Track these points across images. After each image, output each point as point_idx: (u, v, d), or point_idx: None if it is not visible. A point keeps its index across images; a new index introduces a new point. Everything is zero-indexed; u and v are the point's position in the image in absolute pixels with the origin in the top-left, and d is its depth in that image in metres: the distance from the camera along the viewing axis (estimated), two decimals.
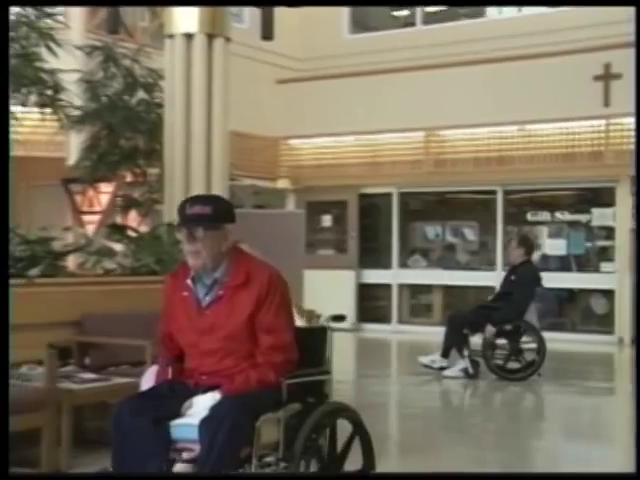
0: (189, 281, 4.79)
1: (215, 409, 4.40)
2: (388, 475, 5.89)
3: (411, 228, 18.26)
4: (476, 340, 11.59)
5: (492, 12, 17.86)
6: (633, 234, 14.90)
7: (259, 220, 12.06)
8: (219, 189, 9.64)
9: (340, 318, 5.89)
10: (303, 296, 11.88)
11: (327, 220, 18.53)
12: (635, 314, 14.39)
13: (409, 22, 18.84)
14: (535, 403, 10.81)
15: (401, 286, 17.85)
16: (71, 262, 8.83)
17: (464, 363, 11.53)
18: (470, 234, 17.81)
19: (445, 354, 11.65)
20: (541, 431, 8.89)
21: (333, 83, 17.49)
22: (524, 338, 11.58)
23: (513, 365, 11.58)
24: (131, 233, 9.57)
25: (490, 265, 16.70)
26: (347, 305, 17.41)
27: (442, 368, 11.55)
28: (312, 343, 5.03)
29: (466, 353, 11.56)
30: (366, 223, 18.19)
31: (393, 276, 17.88)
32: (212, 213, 4.67)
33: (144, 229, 10.04)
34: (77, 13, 12.70)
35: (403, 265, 17.98)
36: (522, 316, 11.46)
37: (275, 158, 18.18)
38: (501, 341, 11.66)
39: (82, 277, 8.34)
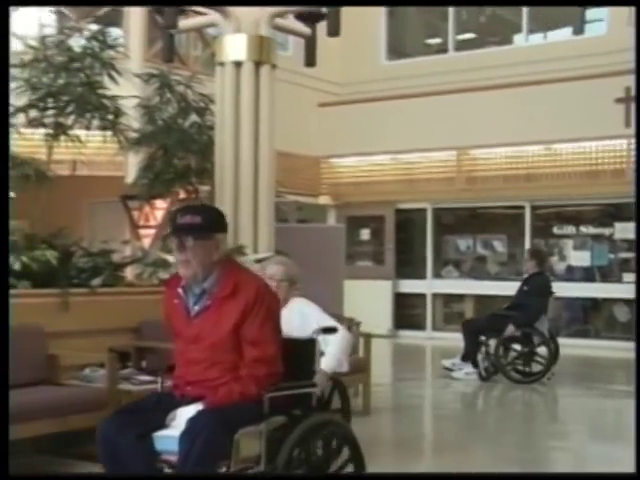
0: (180, 290, 4.61)
1: (191, 422, 4.21)
2: (388, 475, 5.88)
3: (444, 241, 18.22)
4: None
5: (519, 39, 17.87)
6: None
7: (302, 234, 12.12)
8: (265, 205, 9.71)
9: (332, 330, 5.83)
10: (343, 305, 11.91)
11: (365, 234, 18.54)
12: (636, 317, 14.33)
13: (442, 49, 18.84)
14: (560, 405, 10.75)
15: (435, 295, 17.82)
16: (129, 273, 8.90)
17: (471, 367, 11.61)
18: (499, 246, 17.76)
19: (464, 358, 11.72)
20: (566, 432, 8.84)
21: (371, 106, 17.49)
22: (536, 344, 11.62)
23: (530, 369, 11.61)
24: None
25: (518, 275, 16.49)
26: (384, 313, 17.45)
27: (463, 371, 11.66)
28: (300, 355, 4.78)
29: (480, 357, 11.61)
30: (402, 236, 18.18)
31: (427, 286, 17.86)
32: (202, 223, 4.47)
33: None
34: (136, 44, 12.84)
35: (437, 275, 17.96)
36: (533, 324, 11.47)
37: (317, 176, 18.22)
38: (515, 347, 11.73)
39: (139, 287, 8.41)
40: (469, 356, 11.66)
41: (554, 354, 11.63)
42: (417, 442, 8.16)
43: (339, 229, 13.93)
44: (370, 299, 16.50)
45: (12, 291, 7.10)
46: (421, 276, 17.99)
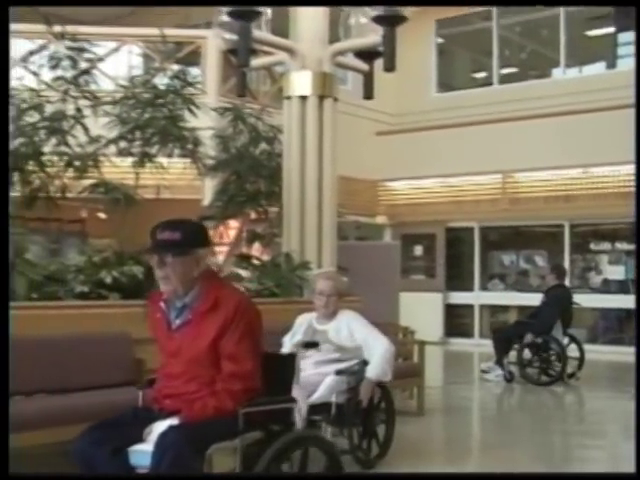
0: (162, 304, 4.22)
1: (160, 438, 3.82)
2: (388, 475, 5.84)
3: (490, 256, 18.16)
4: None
5: (557, 73, 17.79)
6: None
7: (362, 251, 12.15)
8: (329, 224, 9.75)
9: (313, 345, 5.79)
10: (399, 315, 11.90)
11: (419, 250, 18.48)
12: (636, 320, 14.11)
13: (487, 82, 18.79)
14: (596, 407, 10.57)
15: (482, 306, 17.74)
16: None
17: (501, 370, 11.70)
18: (541, 261, 17.66)
19: (498, 362, 11.79)
20: (604, 431, 8.76)
21: (423, 134, 17.50)
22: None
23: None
24: (255, 262, 9.69)
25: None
26: (436, 322, 17.40)
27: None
28: (280, 370, 4.35)
29: (505, 361, 11.71)
30: (452, 252, 18.13)
31: (475, 297, 17.80)
32: (181, 239, 4.06)
33: (266, 258, 10.16)
34: (212, 81, 12.96)
35: (483, 288, 17.89)
36: (550, 331, 11.52)
37: (374, 198, 18.24)
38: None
39: None
40: (500, 360, 11.75)
41: (580, 359, 11.76)
42: (465, 441, 8.14)
43: (394, 246, 13.90)
44: (423, 309, 16.45)
45: (104, 302, 7.27)
46: (469, 288, 17.93)
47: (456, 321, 18.01)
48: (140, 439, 4.00)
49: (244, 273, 9.44)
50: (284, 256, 9.30)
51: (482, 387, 11.70)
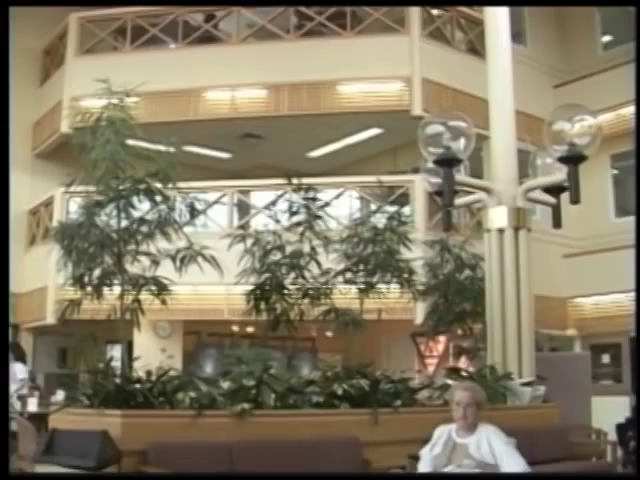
0: None
1: None
2: (388, 475, 5.25)
3: None
4: None
5: None
6: None
7: (556, 361, 11.76)
8: (527, 338, 9.53)
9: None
10: (591, 418, 11.39)
11: (606, 358, 17.70)
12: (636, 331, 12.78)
13: None
14: None
15: None
16: (421, 395, 8.83)
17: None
18: None
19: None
20: None
21: (606, 255, 16.94)
22: None
23: None
24: (463, 373, 9.51)
25: None
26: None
27: None
28: None
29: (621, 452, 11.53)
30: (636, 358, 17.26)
31: None
32: None
33: (472, 370, 9.96)
34: (420, 218, 12.96)
35: None
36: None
37: (565, 313, 17.68)
38: None
39: (430, 406, 8.30)
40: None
41: None
42: None
43: (585, 356, 13.41)
44: (612, 412, 15.61)
45: (336, 410, 7.28)
46: None
47: None
48: None
49: (453, 382, 9.26)
50: (489, 368, 9.10)
51: None
